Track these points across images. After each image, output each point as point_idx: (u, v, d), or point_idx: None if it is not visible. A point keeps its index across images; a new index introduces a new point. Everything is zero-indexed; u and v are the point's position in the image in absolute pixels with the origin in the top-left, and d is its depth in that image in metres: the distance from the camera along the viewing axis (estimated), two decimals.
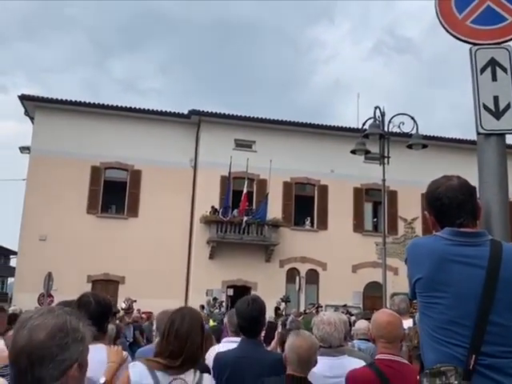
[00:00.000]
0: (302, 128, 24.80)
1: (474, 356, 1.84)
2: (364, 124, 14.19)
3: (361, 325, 6.16)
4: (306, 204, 24.87)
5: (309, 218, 24.97)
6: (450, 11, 2.57)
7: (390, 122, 13.99)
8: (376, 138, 13.85)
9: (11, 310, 13.16)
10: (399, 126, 14.04)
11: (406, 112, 14.26)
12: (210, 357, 3.86)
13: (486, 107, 2.34)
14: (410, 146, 13.86)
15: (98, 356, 2.70)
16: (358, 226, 25.04)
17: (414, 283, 2.07)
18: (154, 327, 13.23)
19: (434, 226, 2.15)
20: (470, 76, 2.42)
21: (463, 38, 2.54)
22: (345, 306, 20.75)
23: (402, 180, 23.03)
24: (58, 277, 18.53)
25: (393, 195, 24.20)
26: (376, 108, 14.11)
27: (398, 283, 20.99)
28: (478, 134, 2.38)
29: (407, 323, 5.56)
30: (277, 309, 18.71)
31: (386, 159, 13.99)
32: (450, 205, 2.05)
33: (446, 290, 1.94)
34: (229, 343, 3.95)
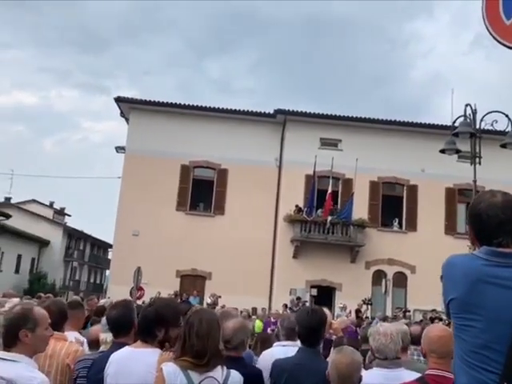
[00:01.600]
0: (390, 126, 24.11)
1: (505, 383, 1.72)
2: (454, 122, 13.56)
3: None
4: (393, 204, 24.15)
5: (397, 219, 24.21)
6: (497, 16, 2.37)
7: (482, 120, 13.25)
8: (466, 137, 13.19)
9: (102, 302, 13.99)
10: (492, 124, 13.27)
11: (505, 108, 13.47)
12: (262, 360, 3.90)
13: None
14: (503, 145, 13.04)
15: (149, 360, 2.81)
16: (450, 228, 23.91)
17: (448, 303, 1.96)
18: None
19: (473, 242, 2.01)
20: None
21: (510, 45, 2.34)
22: (433, 310, 19.90)
23: (498, 180, 21.35)
24: (149, 271, 19.43)
25: None
26: (467, 106, 13.43)
27: None
28: None
29: None
30: (358, 311, 18.33)
31: (477, 159, 13.28)
32: (488, 223, 1.91)
33: (480, 312, 1.82)
34: (280, 347, 4.00)
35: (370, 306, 19.45)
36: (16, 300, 7.50)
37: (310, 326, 3.45)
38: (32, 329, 2.70)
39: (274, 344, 4.24)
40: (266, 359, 3.91)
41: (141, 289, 18.98)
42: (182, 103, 24.61)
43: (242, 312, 17.15)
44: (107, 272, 50.59)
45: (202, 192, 24.63)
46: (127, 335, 3.35)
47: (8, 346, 2.64)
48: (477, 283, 1.84)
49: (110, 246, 45.11)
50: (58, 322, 3.68)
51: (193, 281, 23.38)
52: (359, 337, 9.57)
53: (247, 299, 19.81)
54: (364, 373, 3.13)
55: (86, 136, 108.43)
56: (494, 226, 1.89)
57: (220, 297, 19.52)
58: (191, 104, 24.64)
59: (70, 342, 3.80)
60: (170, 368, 2.62)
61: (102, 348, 3.71)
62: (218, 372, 2.64)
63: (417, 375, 3.50)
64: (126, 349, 2.98)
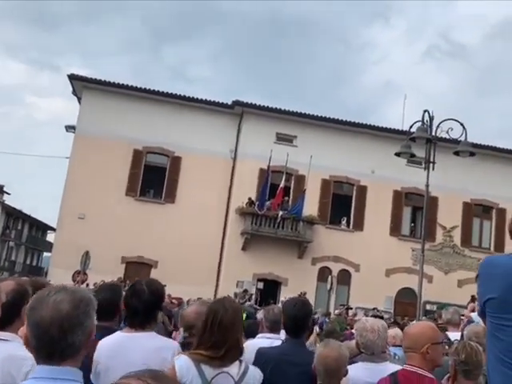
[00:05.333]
0: (346, 126, 24.51)
1: None
2: (411, 127, 13.89)
3: (395, 332, 6.08)
4: (343, 203, 24.60)
5: (345, 218, 24.69)
6: None
7: (438, 126, 13.63)
8: (421, 142, 13.53)
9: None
10: (447, 132, 13.67)
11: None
12: (245, 351, 3.84)
13: None
14: (457, 153, 13.41)
15: (152, 343, 2.70)
16: (395, 230, 24.63)
17: (484, 302, 1.96)
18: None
19: None
20: None
21: None
22: (375, 309, 20.46)
23: (445, 186, 22.47)
24: (93, 256, 18.88)
25: (433, 201, 23.54)
26: (425, 112, 13.77)
27: (431, 291, 20.60)
28: None
29: (456, 335, 5.42)
30: None
31: (431, 164, 13.66)
32: None
33: None
34: (264, 339, 3.97)
35: None
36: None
37: (296, 317, 3.43)
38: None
39: (258, 335, 4.20)
40: (249, 350, 3.85)
41: (84, 273, 18.49)
42: (139, 86, 24.02)
43: (188, 301, 17.03)
44: (45, 254, 48.92)
45: (154, 179, 24.17)
46: (112, 319, 3.24)
47: (4, 325, 2.46)
48: None
49: (51, 228, 43.61)
50: None
51: (138, 268, 22.90)
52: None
53: (193, 289, 19.62)
54: (349, 367, 3.14)
55: (30, 113, 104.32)
56: None
57: (165, 285, 19.21)
58: (148, 88, 24.05)
59: None
60: (183, 362, 2.49)
61: None
62: (235, 367, 2.51)
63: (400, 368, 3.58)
64: (119, 334, 2.84)
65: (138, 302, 2.79)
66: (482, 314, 2.01)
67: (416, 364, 2.86)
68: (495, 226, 25.54)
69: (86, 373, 1.87)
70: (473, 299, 12.82)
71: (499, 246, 25.11)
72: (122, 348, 2.71)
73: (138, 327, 2.79)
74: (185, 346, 2.89)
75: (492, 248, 25.23)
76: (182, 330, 3.79)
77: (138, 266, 23.02)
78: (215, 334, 2.49)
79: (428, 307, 20.67)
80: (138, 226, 22.73)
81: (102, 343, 2.76)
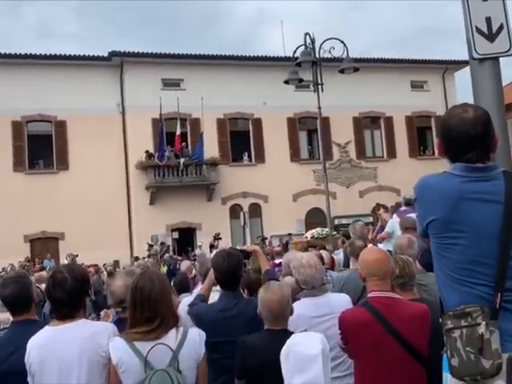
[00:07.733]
0: (230, 61, 24.12)
1: (499, 294, 1.79)
2: (295, 52, 13.90)
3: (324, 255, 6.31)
4: (241, 139, 24.66)
5: (246, 153, 24.85)
6: None
7: (320, 47, 13.78)
8: (307, 66, 13.65)
9: None
10: (330, 52, 13.86)
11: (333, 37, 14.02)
12: (183, 308, 3.77)
13: (478, 30, 2.20)
14: (342, 71, 13.71)
15: (85, 332, 2.55)
16: (295, 156, 25.27)
17: (426, 225, 1.98)
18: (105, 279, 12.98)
19: (441, 153, 2.04)
20: None
21: None
22: (289, 234, 21.22)
23: (334, 105, 22.91)
24: None
25: (326, 121, 24.23)
26: (306, 35, 13.81)
27: (337, 206, 21.62)
28: (473, 59, 2.24)
29: None
30: (211, 246, 19.06)
31: (319, 86, 13.86)
32: (458, 139, 1.91)
33: (465, 229, 1.85)
34: None
35: (219, 241, 20.05)
36: None
37: (228, 271, 3.37)
38: None
39: (195, 291, 4.13)
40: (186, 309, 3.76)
41: None
42: (2, 52, 21.82)
43: (105, 267, 16.60)
44: None
45: (41, 148, 22.62)
46: (28, 311, 3.04)
47: None
48: (459, 201, 1.86)
49: None
50: None
51: (44, 244, 21.87)
52: None
53: (107, 253, 19.17)
54: (294, 304, 3.14)
55: None
56: (463, 143, 1.90)
57: (77, 255, 18.59)
58: (13, 53, 21.91)
59: None
60: (117, 344, 2.43)
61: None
62: (171, 336, 2.44)
63: (344, 296, 3.66)
64: (47, 330, 2.64)
65: (61, 292, 2.59)
66: (425, 236, 2.03)
67: (388, 289, 2.87)
68: (385, 134, 27.00)
69: None
70: (378, 207, 13.58)
71: (391, 152, 26.77)
72: (54, 343, 2.54)
73: (66, 318, 2.61)
74: (120, 323, 2.79)
75: (385, 155, 26.82)
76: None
77: (43, 242, 21.95)
78: (145, 310, 2.43)
79: (336, 222, 21.75)
80: (34, 201, 21.39)
81: (31, 343, 2.57)
